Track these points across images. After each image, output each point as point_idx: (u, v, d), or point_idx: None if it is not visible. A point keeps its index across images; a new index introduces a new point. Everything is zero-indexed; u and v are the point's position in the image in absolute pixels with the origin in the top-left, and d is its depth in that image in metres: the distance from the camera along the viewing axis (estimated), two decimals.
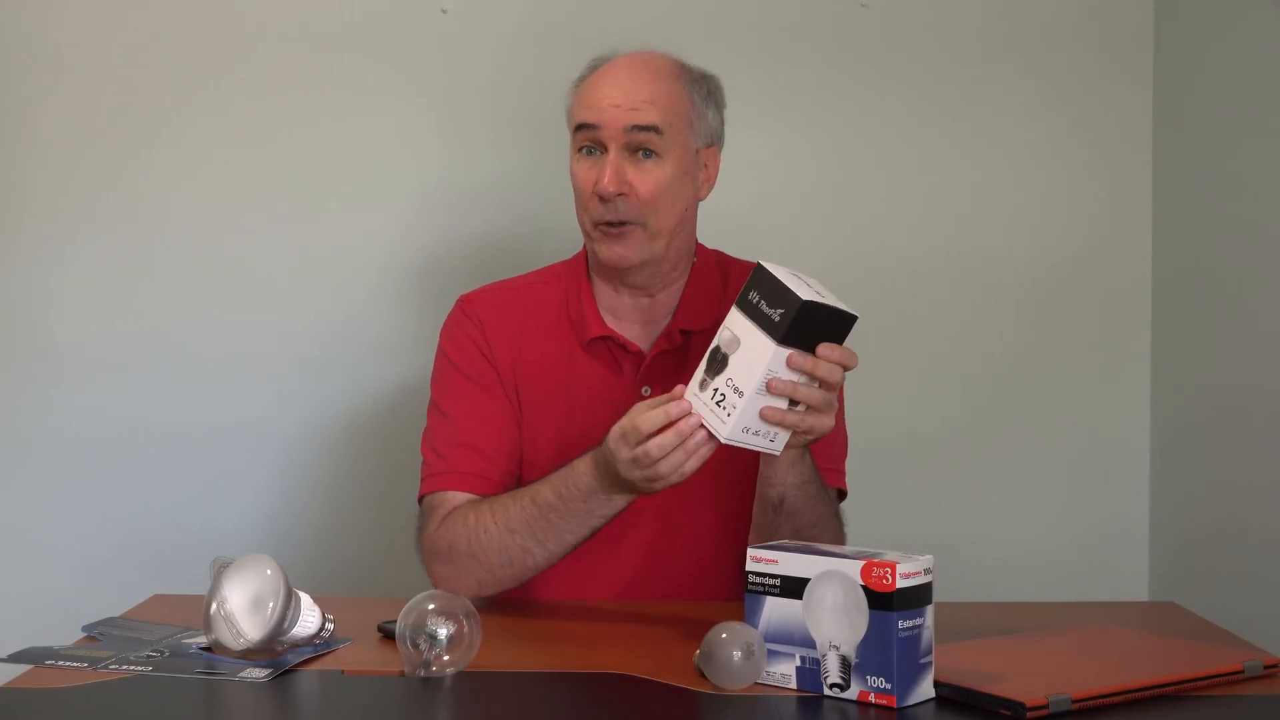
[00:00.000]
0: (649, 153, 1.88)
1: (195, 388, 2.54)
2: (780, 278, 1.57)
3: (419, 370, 2.04)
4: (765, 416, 1.59)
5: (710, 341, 1.92)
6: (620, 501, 1.75)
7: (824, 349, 1.59)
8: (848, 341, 1.62)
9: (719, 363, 1.59)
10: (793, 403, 1.60)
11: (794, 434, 1.63)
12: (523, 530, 1.80)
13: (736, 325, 1.59)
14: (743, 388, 1.57)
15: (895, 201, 2.60)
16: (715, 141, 1.98)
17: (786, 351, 1.57)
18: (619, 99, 1.88)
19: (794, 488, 1.76)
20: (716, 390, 1.59)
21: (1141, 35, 2.59)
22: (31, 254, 2.54)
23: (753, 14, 2.58)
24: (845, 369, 1.62)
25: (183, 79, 2.54)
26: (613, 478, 1.70)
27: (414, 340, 2.46)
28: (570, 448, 1.89)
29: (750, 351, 1.57)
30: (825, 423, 1.63)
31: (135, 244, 2.54)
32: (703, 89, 1.96)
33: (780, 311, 1.56)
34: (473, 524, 1.83)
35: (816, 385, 1.60)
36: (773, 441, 1.62)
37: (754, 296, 1.58)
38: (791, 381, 1.58)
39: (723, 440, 1.59)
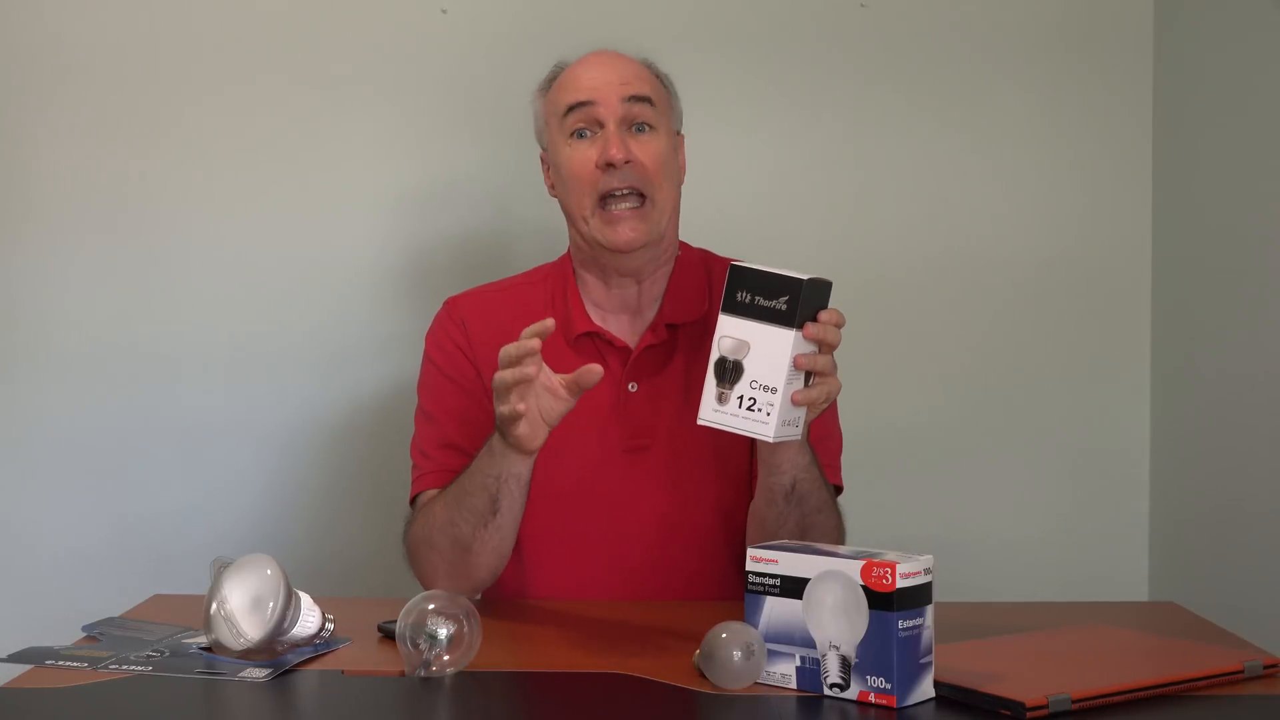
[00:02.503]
0: (643, 126, 1.90)
1: (194, 388, 2.54)
2: (765, 269, 1.58)
3: (413, 367, 2.04)
4: (796, 400, 1.58)
5: (687, 341, 1.94)
6: (500, 452, 1.73)
7: (824, 315, 1.59)
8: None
9: (733, 371, 1.58)
10: (806, 379, 1.60)
11: (808, 410, 1.63)
12: (451, 499, 1.82)
13: (735, 329, 1.58)
14: (773, 383, 1.57)
15: (895, 201, 2.60)
16: (681, 130, 2.00)
17: (800, 333, 1.57)
18: (609, 76, 1.90)
19: (803, 470, 1.76)
20: (742, 398, 1.58)
21: (1141, 35, 2.59)
22: (31, 255, 2.54)
23: (752, 14, 2.57)
24: (839, 327, 1.62)
25: (181, 81, 2.54)
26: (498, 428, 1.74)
27: (409, 338, 2.46)
28: (560, 443, 1.89)
29: (767, 347, 1.57)
30: (836, 384, 1.64)
31: (133, 246, 2.54)
32: (667, 80, 1.99)
33: (785, 299, 1.56)
34: (428, 509, 1.87)
35: (818, 351, 1.60)
36: (797, 426, 1.62)
37: (744, 296, 1.58)
38: (813, 355, 1.59)
39: (771, 440, 1.59)
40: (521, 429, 1.69)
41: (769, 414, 1.57)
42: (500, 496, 1.78)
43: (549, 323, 1.65)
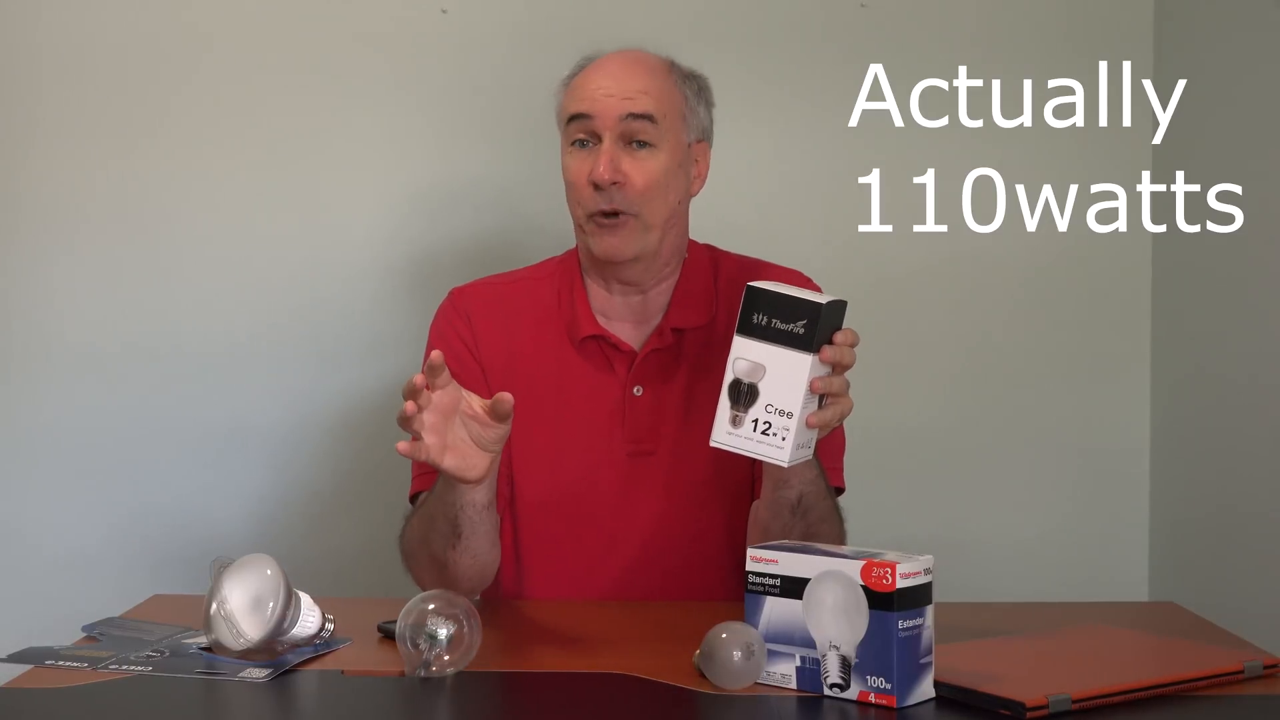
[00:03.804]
0: (642, 144, 1.88)
1: (194, 387, 2.54)
2: (782, 291, 1.56)
3: (414, 367, 2.04)
4: (810, 424, 1.57)
5: (693, 346, 1.93)
6: (453, 483, 1.70)
7: (839, 336, 1.59)
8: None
9: (748, 394, 1.57)
10: (820, 399, 1.59)
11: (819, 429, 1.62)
12: (425, 519, 1.82)
13: (751, 352, 1.57)
14: (789, 407, 1.56)
15: (895, 201, 2.59)
16: (706, 138, 1.98)
17: (816, 356, 1.56)
18: (613, 89, 1.88)
19: (810, 483, 1.76)
20: (757, 421, 1.57)
21: (1141, 35, 2.59)
22: (29, 255, 2.54)
23: (752, 14, 2.58)
24: (853, 347, 1.62)
25: (180, 81, 2.54)
26: None
27: (413, 337, 2.46)
28: (563, 446, 1.89)
29: (783, 371, 1.56)
30: (848, 404, 1.63)
31: (132, 245, 2.54)
32: (693, 85, 1.96)
33: (802, 322, 1.55)
34: (410, 521, 1.87)
35: (830, 373, 1.60)
36: (809, 448, 1.62)
37: (760, 318, 1.56)
38: (829, 377, 1.58)
39: (786, 465, 1.58)
40: (448, 463, 1.64)
41: (784, 439, 1.56)
42: (460, 522, 1.77)
43: (436, 355, 1.59)
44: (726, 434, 1.58)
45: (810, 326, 1.55)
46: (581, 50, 1.97)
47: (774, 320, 1.56)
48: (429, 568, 1.83)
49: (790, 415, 1.56)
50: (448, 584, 1.79)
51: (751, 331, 1.57)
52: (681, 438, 1.91)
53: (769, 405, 1.56)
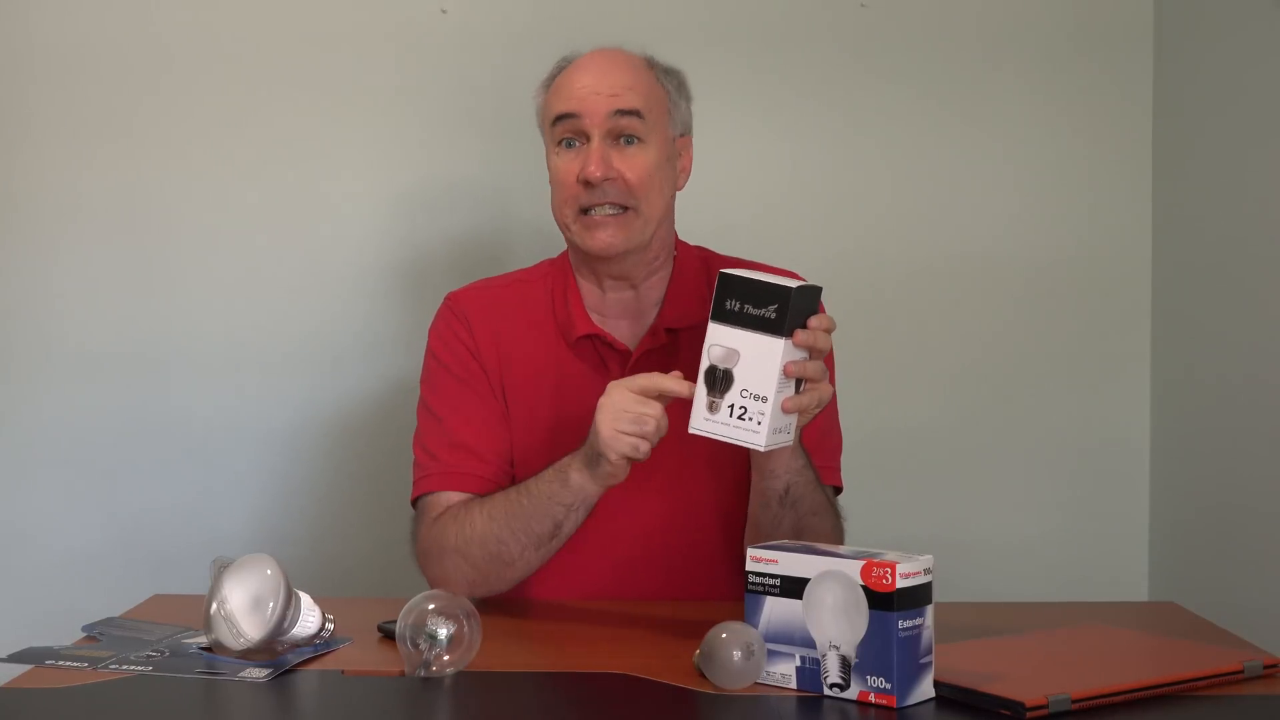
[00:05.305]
0: (631, 139, 1.88)
1: (193, 388, 2.54)
2: (753, 277, 1.58)
3: (412, 367, 2.04)
4: (786, 408, 1.59)
5: (689, 345, 1.93)
6: (578, 483, 1.75)
7: (814, 321, 1.60)
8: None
9: (723, 380, 1.59)
10: (797, 385, 1.60)
11: (799, 416, 1.63)
12: (501, 517, 1.81)
13: (725, 338, 1.59)
14: (763, 391, 1.57)
15: (896, 201, 2.60)
16: (688, 132, 1.99)
17: (790, 341, 1.57)
18: (599, 86, 1.88)
19: (797, 473, 1.77)
20: (733, 406, 1.58)
21: (1141, 35, 2.59)
22: (29, 256, 2.54)
23: (752, 15, 2.58)
24: (829, 333, 1.63)
25: (179, 83, 2.54)
26: (583, 456, 1.74)
27: (408, 338, 2.46)
28: (560, 446, 1.89)
29: (756, 356, 1.57)
30: (827, 390, 1.64)
31: (131, 246, 2.54)
32: (673, 80, 1.97)
33: (774, 307, 1.56)
34: (462, 518, 1.85)
35: (808, 358, 1.61)
36: (789, 433, 1.63)
37: (733, 304, 1.58)
38: (803, 361, 1.59)
39: (763, 449, 1.59)
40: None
41: (760, 423, 1.57)
42: (565, 523, 1.79)
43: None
44: (704, 420, 1.60)
45: (781, 311, 1.56)
46: (584, 46, 1.97)
47: (746, 306, 1.58)
48: (484, 566, 1.82)
49: (764, 400, 1.57)
50: (495, 583, 1.83)
51: (725, 318, 1.59)
52: (677, 437, 1.90)
53: (744, 390, 1.58)
